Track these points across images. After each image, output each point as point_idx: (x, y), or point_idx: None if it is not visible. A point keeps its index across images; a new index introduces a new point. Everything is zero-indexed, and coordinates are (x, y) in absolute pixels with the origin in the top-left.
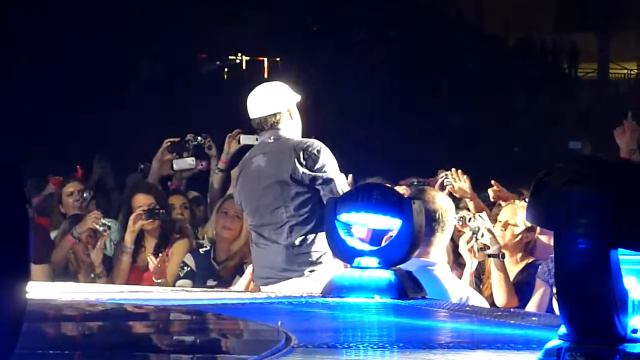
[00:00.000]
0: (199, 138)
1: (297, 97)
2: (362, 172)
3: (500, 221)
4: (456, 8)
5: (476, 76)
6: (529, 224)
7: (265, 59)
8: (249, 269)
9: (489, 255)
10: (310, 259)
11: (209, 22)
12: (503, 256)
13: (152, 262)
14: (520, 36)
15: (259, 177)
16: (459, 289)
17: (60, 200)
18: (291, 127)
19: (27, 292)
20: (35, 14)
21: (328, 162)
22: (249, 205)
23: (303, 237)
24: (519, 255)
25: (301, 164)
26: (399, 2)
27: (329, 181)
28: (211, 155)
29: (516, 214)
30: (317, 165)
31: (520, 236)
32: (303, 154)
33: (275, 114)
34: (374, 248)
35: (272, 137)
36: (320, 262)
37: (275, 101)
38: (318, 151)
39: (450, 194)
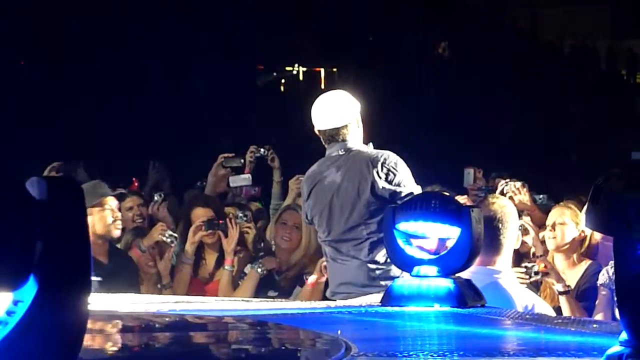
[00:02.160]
0: (262, 150)
1: (359, 105)
2: (421, 180)
3: (548, 224)
4: (510, 16)
5: (532, 84)
6: (577, 222)
7: (322, 70)
8: (309, 281)
9: (560, 293)
10: (392, 274)
11: (265, 33)
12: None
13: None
14: (575, 43)
15: (336, 192)
16: (524, 297)
17: None
18: (358, 137)
19: (88, 304)
20: (87, 28)
21: (406, 175)
22: (325, 221)
23: (384, 253)
24: (575, 256)
25: (380, 178)
26: (453, 12)
27: (409, 195)
28: (274, 167)
29: (564, 213)
30: (397, 180)
31: (571, 235)
32: (381, 168)
33: (346, 125)
34: (433, 257)
35: (342, 150)
36: (402, 277)
37: (344, 112)
38: (395, 164)
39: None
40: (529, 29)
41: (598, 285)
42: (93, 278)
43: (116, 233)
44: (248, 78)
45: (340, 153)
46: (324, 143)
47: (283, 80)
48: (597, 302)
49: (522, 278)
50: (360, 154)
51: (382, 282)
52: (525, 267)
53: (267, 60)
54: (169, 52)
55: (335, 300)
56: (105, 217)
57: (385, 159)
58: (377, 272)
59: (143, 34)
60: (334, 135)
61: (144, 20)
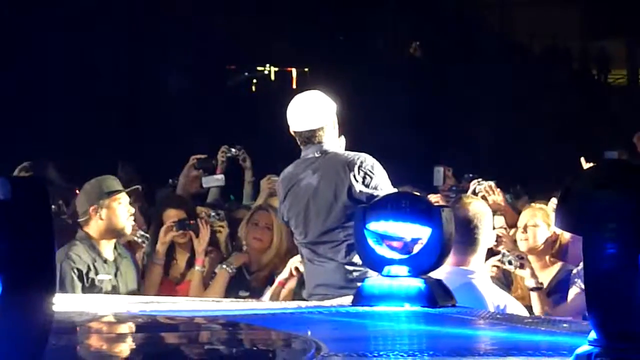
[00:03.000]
0: (233, 150)
1: (335, 106)
2: (392, 180)
3: (520, 225)
4: (481, 17)
5: (503, 84)
6: (549, 223)
7: (294, 70)
8: (277, 279)
9: (531, 289)
10: (369, 276)
11: (237, 33)
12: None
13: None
14: (547, 43)
15: (313, 195)
16: (497, 297)
17: None
18: (334, 139)
19: (53, 304)
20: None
21: (383, 178)
22: (301, 224)
23: None
24: (547, 257)
25: (357, 181)
26: (425, 12)
27: None
28: (245, 167)
29: (535, 215)
30: (373, 183)
31: (543, 236)
32: (358, 171)
33: (322, 127)
34: (404, 256)
35: (318, 152)
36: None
37: (320, 114)
38: (372, 167)
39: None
40: (500, 29)
41: (570, 284)
42: (102, 277)
43: (128, 229)
44: (219, 78)
45: (317, 155)
46: (299, 144)
47: (255, 80)
48: (568, 298)
49: (497, 267)
50: (336, 157)
51: (359, 284)
52: (503, 254)
53: (239, 60)
54: (139, 52)
55: (311, 301)
56: (121, 212)
57: (362, 162)
58: (354, 273)
59: (113, 34)
60: (310, 137)
61: (113, 20)
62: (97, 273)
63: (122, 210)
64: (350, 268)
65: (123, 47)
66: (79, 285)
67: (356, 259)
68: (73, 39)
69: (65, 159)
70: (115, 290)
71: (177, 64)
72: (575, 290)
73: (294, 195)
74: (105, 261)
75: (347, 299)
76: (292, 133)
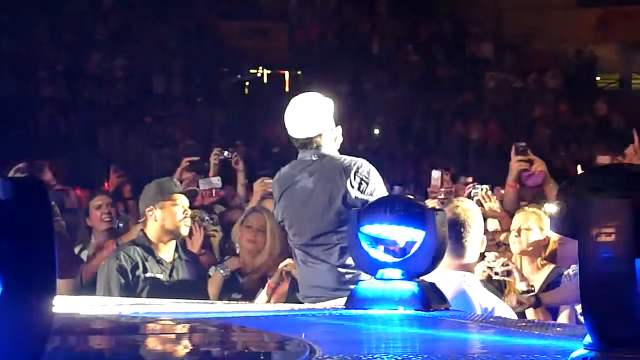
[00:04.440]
0: (226, 153)
1: (332, 105)
2: (384, 181)
3: (513, 229)
4: (475, 19)
5: (495, 86)
6: (542, 227)
7: (287, 73)
8: (268, 283)
9: (523, 292)
10: (362, 278)
11: (230, 35)
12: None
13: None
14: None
15: (307, 198)
16: (485, 300)
17: (87, 213)
18: (332, 142)
19: (53, 306)
20: (56, 30)
21: (379, 184)
22: (295, 226)
23: None
24: (539, 260)
25: (352, 187)
26: (418, 14)
27: None
28: (238, 170)
29: (528, 219)
30: (369, 189)
31: (536, 239)
32: (354, 177)
33: (320, 134)
34: (397, 260)
35: (315, 155)
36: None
37: (318, 120)
38: (368, 172)
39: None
40: (493, 32)
41: (562, 280)
42: (151, 275)
43: (184, 230)
44: (212, 80)
45: (314, 158)
46: (296, 147)
47: (247, 83)
48: (560, 289)
49: (487, 275)
50: (333, 161)
51: (352, 286)
52: (489, 267)
53: (232, 62)
54: (132, 52)
55: (304, 303)
56: (175, 212)
57: (358, 168)
58: (347, 276)
59: (110, 39)
60: (307, 143)
61: (110, 24)
62: (145, 271)
63: (176, 211)
64: (343, 270)
65: (116, 51)
66: (120, 281)
67: (349, 261)
68: (67, 42)
69: (59, 161)
70: (166, 289)
71: (170, 67)
72: (567, 283)
73: (289, 197)
74: (159, 261)
75: (340, 301)
76: (291, 138)
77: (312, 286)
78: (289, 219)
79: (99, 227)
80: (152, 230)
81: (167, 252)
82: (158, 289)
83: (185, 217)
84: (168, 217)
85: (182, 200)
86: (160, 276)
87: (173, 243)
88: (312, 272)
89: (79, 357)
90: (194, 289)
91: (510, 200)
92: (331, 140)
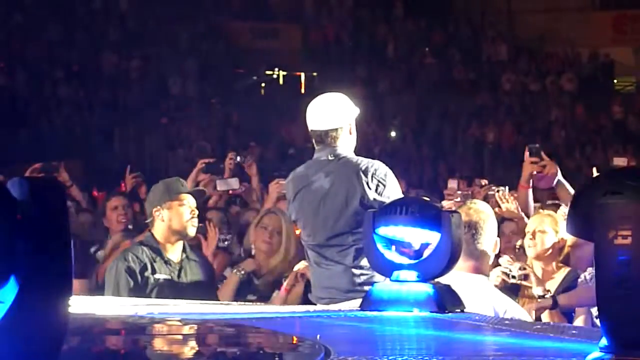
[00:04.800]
0: (239, 157)
1: (357, 111)
2: (401, 183)
3: (528, 231)
4: (489, 22)
5: (509, 89)
6: (557, 230)
7: (302, 74)
8: (283, 286)
9: (539, 297)
10: (376, 280)
11: (246, 37)
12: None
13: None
14: (556, 49)
15: (323, 199)
16: (500, 302)
17: (104, 214)
18: (349, 143)
19: (69, 306)
20: (70, 31)
21: (395, 186)
22: (310, 226)
23: None
24: (554, 263)
25: (369, 189)
26: (433, 16)
27: None
28: (251, 174)
29: (543, 221)
30: (386, 192)
31: (551, 243)
32: (371, 179)
33: (336, 129)
34: (412, 262)
35: (331, 155)
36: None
37: (338, 115)
38: (385, 175)
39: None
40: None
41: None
42: (160, 276)
43: (192, 231)
44: (228, 82)
45: (330, 158)
46: (314, 144)
47: (263, 85)
48: (577, 291)
49: (502, 280)
50: (350, 162)
51: (366, 288)
52: (505, 273)
53: (246, 63)
54: (148, 54)
55: (317, 305)
56: (182, 213)
57: (375, 170)
58: (362, 277)
59: (122, 39)
60: (324, 137)
61: (123, 25)
62: (154, 272)
63: (183, 211)
64: (358, 272)
65: (132, 53)
66: (129, 282)
67: (364, 263)
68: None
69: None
70: (174, 290)
71: (186, 68)
72: (584, 285)
73: (304, 197)
74: (167, 262)
75: (354, 303)
76: (309, 132)
77: (325, 287)
78: (304, 218)
79: (115, 228)
80: (159, 230)
81: (174, 252)
82: (167, 290)
83: (192, 218)
84: (175, 217)
85: (189, 201)
86: (168, 277)
87: (180, 243)
88: (327, 274)
89: (96, 358)
90: (202, 289)
91: (522, 201)
92: (349, 142)
